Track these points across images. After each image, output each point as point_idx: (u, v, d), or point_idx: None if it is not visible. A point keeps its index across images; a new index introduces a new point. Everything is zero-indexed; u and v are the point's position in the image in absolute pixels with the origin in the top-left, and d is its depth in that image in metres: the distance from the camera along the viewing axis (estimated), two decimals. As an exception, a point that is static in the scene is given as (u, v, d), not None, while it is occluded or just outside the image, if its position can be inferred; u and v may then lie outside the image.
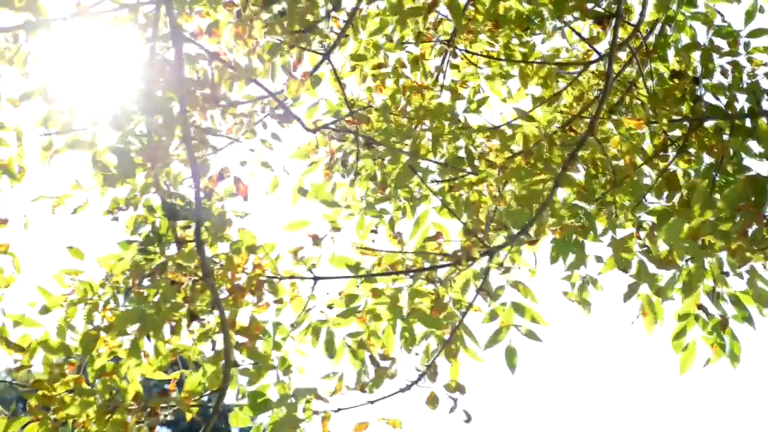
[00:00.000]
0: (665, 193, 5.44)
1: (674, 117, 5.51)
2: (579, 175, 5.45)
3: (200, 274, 5.20)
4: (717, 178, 5.39)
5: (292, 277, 5.45)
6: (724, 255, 5.29)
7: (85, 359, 5.33)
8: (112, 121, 5.27)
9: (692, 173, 5.57)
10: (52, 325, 5.46)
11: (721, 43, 5.55)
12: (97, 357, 5.30)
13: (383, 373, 5.21)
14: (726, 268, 5.30)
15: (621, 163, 5.50)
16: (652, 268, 5.37)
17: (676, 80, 5.59)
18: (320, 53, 5.60)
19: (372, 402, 5.11)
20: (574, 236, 5.54)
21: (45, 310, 5.46)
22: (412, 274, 5.44)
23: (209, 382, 5.24)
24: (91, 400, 5.13)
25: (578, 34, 5.75)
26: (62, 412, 5.15)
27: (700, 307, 5.40)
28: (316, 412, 5.00)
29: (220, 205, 5.31)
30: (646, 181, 5.51)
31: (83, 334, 5.29)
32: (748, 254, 5.01)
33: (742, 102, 5.51)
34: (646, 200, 5.46)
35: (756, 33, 5.48)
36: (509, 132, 5.70)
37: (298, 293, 5.47)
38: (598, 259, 5.59)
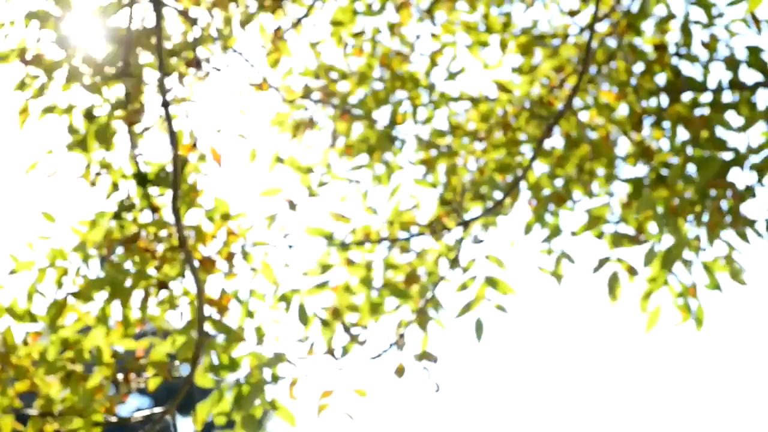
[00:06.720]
0: (639, 164, 5.43)
1: (652, 88, 5.48)
2: (557, 145, 5.42)
3: (174, 242, 5.15)
4: (691, 152, 5.37)
5: (266, 245, 5.40)
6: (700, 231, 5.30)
7: (49, 330, 5.26)
8: (89, 85, 5.24)
9: (667, 146, 5.53)
10: (21, 291, 5.41)
11: (699, 14, 5.50)
12: (62, 327, 5.23)
13: (354, 340, 5.17)
14: (703, 243, 5.30)
15: (597, 135, 5.47)
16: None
17: (656, 53, 5.55)
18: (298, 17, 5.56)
19: (341, 369, 5.07)
20: (551, 206, 5.51)
21: (11, 272, 5.40)
22: (388, 244, 5.40)
23: (180, 353, 5.18)
24: (56, 369, 5.07)
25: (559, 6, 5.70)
26: (24, 382, 5.09)
27: (670, 270, 5.38)
28: (283, 377, 4.95)
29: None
30: (622, 152, 5.49)
31: (52, 302, 5.23)
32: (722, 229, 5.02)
33: (717, 74, 5.48)
34: (619, 171, 5.45)
35: (734, 2, 5.42)
36: (489, 103, 5.66)
37: (269, 261, 5.42)
38: (574, 233, 5.56)
